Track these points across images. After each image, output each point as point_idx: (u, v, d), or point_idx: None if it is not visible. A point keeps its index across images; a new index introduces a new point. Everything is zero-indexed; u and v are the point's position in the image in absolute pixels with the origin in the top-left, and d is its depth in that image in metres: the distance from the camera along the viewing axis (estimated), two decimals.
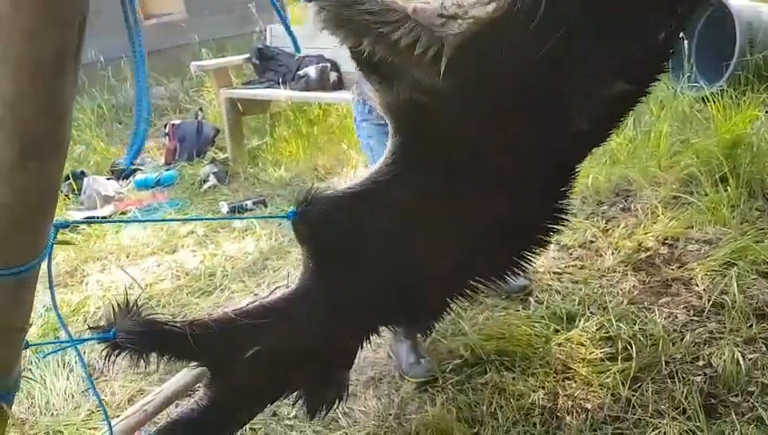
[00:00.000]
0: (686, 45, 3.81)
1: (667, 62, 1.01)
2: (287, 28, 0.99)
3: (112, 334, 0.83)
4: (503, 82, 0.84)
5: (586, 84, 0.90)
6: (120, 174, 4.85)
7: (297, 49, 1.34)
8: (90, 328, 0.93)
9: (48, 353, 2.22)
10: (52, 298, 1.02)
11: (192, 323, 0.87)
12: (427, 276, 1.08)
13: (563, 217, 1.33)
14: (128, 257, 3.55)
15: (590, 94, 0.95)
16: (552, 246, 2.92)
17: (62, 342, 1.08)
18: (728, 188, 2.86)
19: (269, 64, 4.78)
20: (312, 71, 4.50)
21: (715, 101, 3.35)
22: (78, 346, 1.05)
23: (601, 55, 0.86)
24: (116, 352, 0.85)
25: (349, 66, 4.48)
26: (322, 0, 0.70)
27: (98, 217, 4.06)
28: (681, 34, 1.17)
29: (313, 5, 0.74)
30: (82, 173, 4.69)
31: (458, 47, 0.74)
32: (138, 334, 0.82)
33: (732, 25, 3.77)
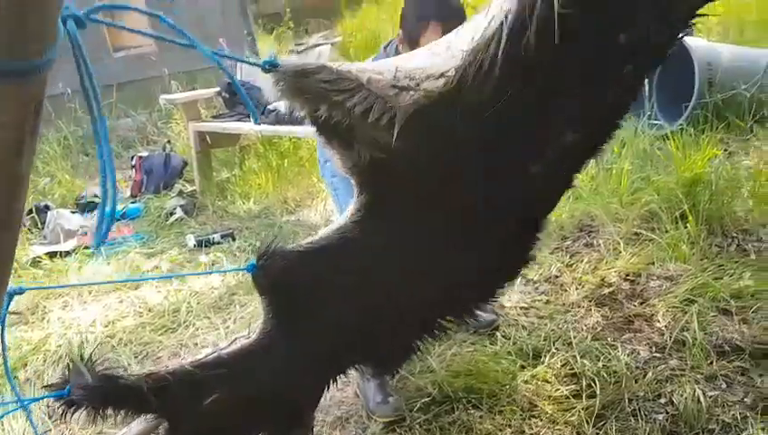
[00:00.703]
0: (646, 84, 3.93)
1: (622, 116, 1.05)
2: (240, 92, 0.99)
3: (67, 392, 0.82)
4: (457, 145, 0.86)
5: (542, 138, 0.93)
6: (85, 207, 4.78)
7: (255, 120, 1.36)
8: (44, 386, 0.91)
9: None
10: (6, 368, 1.00)
11: (148, 376, 0.86)
12: (395, 323, 1.08)
13: (530, 259, 1.36)
14: (90, 293, 3.48)
15: (547, 147, 0.98)
16: (518, 280, 2.96)
17: (16, 401, 1.05)
18: (688, 225, 2.93)
19: (239, 98, 4.79)
20: (281, 105, 4.51)
21: (674, 140, 3.45)
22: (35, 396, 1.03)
23: (557, 112, 0.89)
24: (72, 408, 0.83)
25: None
26: (279, 71, 0.72)
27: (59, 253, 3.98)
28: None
29: (271, 76, 0.76)
30: (46, 207, 4.61)
31: (411, 116, 0.76)
32: (93, 391, 0.80)
33: (691, 64, 3.91)
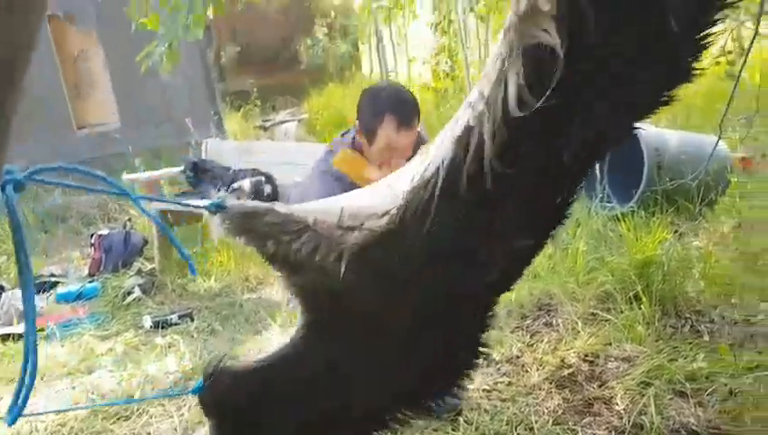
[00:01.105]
0: (597, 166, 4.09)
1: (564, 219, 1.11)
2: (174, 243, 1.01)
3: None
4: (402, 276, 0.90)
5: (491, 246, 0.98)
6: (41, 287, 4.65)
7: (193, 272, 1.39)
8: None
9: None
10: None
11: None
12: (348, 429, 1.08)
13: (484, 351, 1.38)
14: (42, 379, 3.35)
15: (496, 252, 1.03)
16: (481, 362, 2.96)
17: None
18: (642, 306, 3.00)
19: (203, 177, 4.82)
20: (246, 184, 4.56)
21: (626, 221, 3.57)
22: None
23: (504, 219, 0.94)
24: None
25: (284, 179, 4.60)
26: (226, 213, 0.74)
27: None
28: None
29: (217, 217, 0.79)
30: (1, 287, 4.48)
31: (356, 254, 0.80)
32: None
33: (641, 149, 4.09)
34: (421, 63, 9.68)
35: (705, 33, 0.93)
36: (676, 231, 3.90)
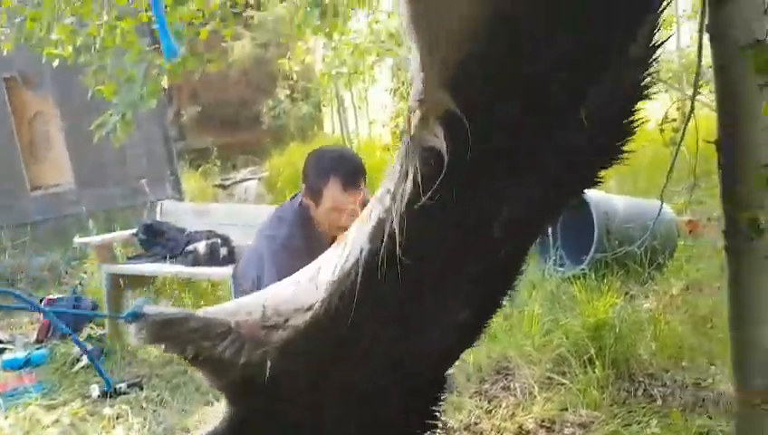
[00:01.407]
0: (550, 229, 4.19)
1: (504, 298, 1.14)
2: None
3: None
4: (328, 368, 0.90)
5: (435, 320, 1.00)
6: None
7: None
8: None
9: None
10: None
11: None
12: None
13: (433, 422, 1.37)
14: None
15: (439, 325, 1.04)
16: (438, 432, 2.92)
17: None
18: (596, 369, 3.03)
19: (157, 239, 4.75)
20: (201, 246, 4.49)
21: (578, 284, 3.64)
22: None
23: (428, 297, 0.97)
24: None
25: (240, 241, 4.56)
26: (142, 321, 0.74)
27: None
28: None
29: (133, 326, 0.78)
30: None
31: (281, 350, 0.80)
32: None
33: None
34: (381, 126, 9.86)
35: (630, 120, 0.99)
36: (626, 293, 3.98)
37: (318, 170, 2.00)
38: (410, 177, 0.77)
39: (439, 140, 0.72)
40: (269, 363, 0.78)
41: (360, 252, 0.82)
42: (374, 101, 11.87)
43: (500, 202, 0.83)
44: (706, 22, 1.62)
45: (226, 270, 4.36)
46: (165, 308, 0.77)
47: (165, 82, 2.89)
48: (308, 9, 4.14)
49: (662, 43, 1.10)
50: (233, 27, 3.36)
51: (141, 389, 3.78)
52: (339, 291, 0.82)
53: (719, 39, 1.59)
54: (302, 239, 2.01)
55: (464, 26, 0.68)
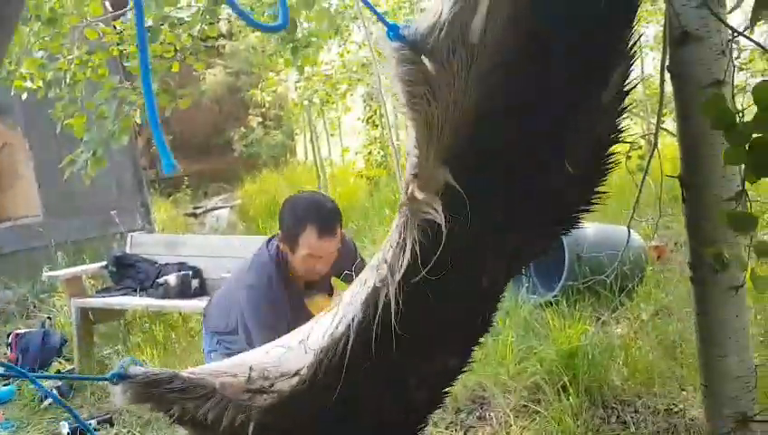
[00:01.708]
0: None
1: (483, 335, 1.16)
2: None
3: None
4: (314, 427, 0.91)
5: (419, 365, 1.02)
6: None
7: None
8: None
9: None
10: None
11: None
12: None
13: None
14: None
15: (427, 379, 1.06)
16: None
17: None
18: (570, 397, 3.05)
19: (127, 272, 4.68)
20: (171, 278, 4.45)
21: (551, 309, 3.68)
22: None
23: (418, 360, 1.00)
24: None
25: (211, 273, 4.52)
26: (127, 382, 0.74)
27: None
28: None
29: (118, 387, 0.78)
30: None
31: (264, 415, 0.81)
32: None
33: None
34: (354, 153, 9.92)
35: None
36: (598, 318, 4.03)
37: (293, 218, 2.00)
38: (408, 248, 0.78)
39: (438, 214, 0.74)
40: (251, 427, 0.78)
41: (353, 319, 0.84)
42: (347, 128, 11.94)
43: (490, 259, 0.85)
44: (667, 62, 1.70)
45: (198, 303, 4.31)
46: (149, 368, 0.77)
47: (138, 118, 2.89)
48: (279, 40, 4.18)
49: (632, 87, 1.14)
50: (205, 61, 3.37)
51: (112, 425, 3.70)
52: (327, 357, 0.83)
53: (680, 77, 1.65)
54: (280, 287, 2.01)
55: (461, 115, 0.71)
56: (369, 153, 8.78)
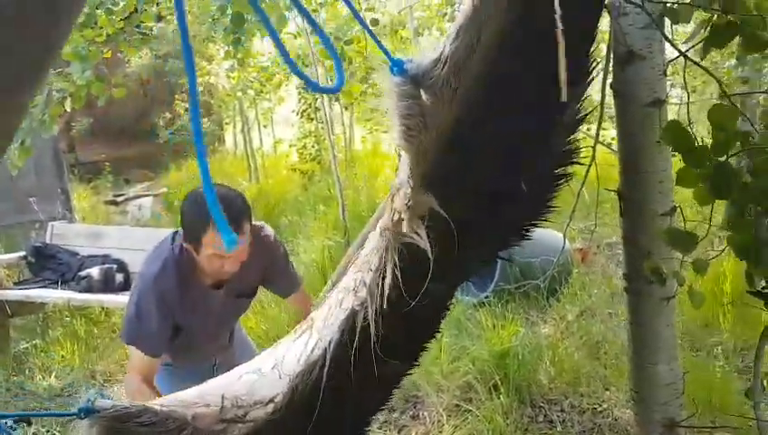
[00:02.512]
0: None
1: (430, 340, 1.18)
2: None
3: None
4: None
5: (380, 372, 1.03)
6: None
7: None
8: None
9: None
10: None
11: None
12: None
13: None
14: None
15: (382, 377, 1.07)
16: None
17: None
18: (501, 396, 3.13)
19: (47, 263, 4.45)
20: (95, 271, 4.26)
21: (484, 310, 3.76)
22: None
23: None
24: None
25: (136, 267, 4.35)
26: (94, 417, 0.70)
27: None
28: None
29: (85, 422, 0.73)
30: None
31: None
32: None
33: None
34: (288, 146, 9.79)
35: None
36: (527, 318, 4.16)
37: (196, 216, 1.78)
38: (389, 273, 0.78)
39: (423, 240, 0.74)
40: None
41: (329, 343, 0.82)
42: (279, 119, 11.77)
43: (451, 271, 0.86)
44: (610, 80, 1.76)
45: (122, 298, 4.15)
46: (118, 402, 0.73)
47: (68, 106, 2.72)
48: (212, 22, 4.06)
49: (588, 113, 1.18)
50: (138, 47, 3.23)
51: (29, 424, 3.50)
52: (303, 382, 0.81)
53: (623, 96, 1.72)
54: (174, 282, 1.84)
55: (437, 141, 0.72)
56: (304, 146, 8.69)
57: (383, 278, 0.78)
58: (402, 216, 0.74)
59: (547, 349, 3.61)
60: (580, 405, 3.16)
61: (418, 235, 0.73)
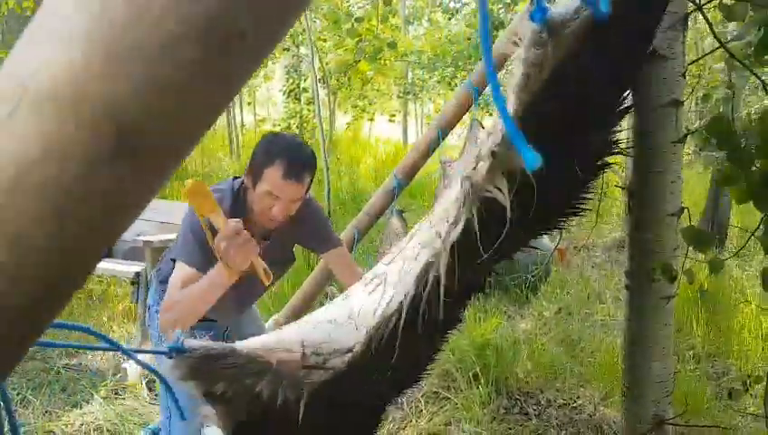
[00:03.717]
0: None
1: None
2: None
3: None
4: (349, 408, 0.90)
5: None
6: None
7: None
8: None
9: None
10: None
11: None
12: None
13: None
14: None
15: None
16: None
17: None
18: (480, 386, 3.17)
19: None
20: None
21: None
22: None
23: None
24: None
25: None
26: (183, 357, 0.68)
27: None
28: None
29: (171, 362, 0.71)
30: None
31: (316, 392, 0.78)
32: None
33: None
34: (272, 125, 9.69)
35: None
36: (506, 313, 4.21)
37: (266, 152, 1.87)
38: (461, 223, 0.77)
39: (502, 195, 0.73)
40: (302, 406, 0.74)
41: (405, 296, 0.81)
42: (260, 97, 11.64)
43: (502, 247, 0.86)
44: None
45: (104, 265, 4.08)
46: (206, 342, 0.71)
47: None
48: None
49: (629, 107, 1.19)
50: None
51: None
52: (378, 334, 0.80)
53: (640, 95, 1.74)
54: (227, 205, 1.90)
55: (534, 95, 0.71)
56: (288, 127, 8.61)
57: (454, 227, 0.78)
58: (483, 163, 0.73)
59: (525, 344, 3.66)
60: (556, 400, 3.22)
61: (500, 190, 0.73)
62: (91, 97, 0.25)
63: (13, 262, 0.29)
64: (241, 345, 0.74)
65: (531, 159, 0.34)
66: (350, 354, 0.80)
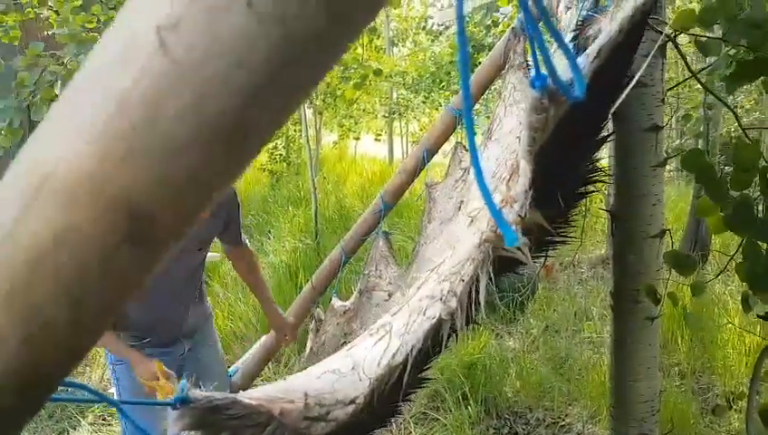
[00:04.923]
0: None
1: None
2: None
3: None
4: None
5: None
6: None
7: None
8: None
9: None
10: None
11: None
12: None
13: None
14: None
15: None
16: None
17: None
18: (469, 406, 3.18)
19: None
20: None
21: None
22: None
23: None
24: None
25: None
26: (187, 407, 0.70)
27: None
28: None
29: (176, 412, 0.73)
30: None
31: None
32: None
33: None
34: None
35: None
36: (493, 331, 4.23)
37: None
38: (482, 284, 0.80)
39: (525, 256, 0.77)
40: None
41: (412, 349, 0.84)
42: None
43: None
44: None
45: None
46: (210, 393, 0.72)
47: (58, 90, 2.65)
48: None
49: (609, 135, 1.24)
50: None
51: None
52: (381, 386, 0.82)
53: (621, 120, 1.78)
54: None
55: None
56: (275, 146, 8.62)
57: (477, 291, 0.81)
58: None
59: (513, 362, 3.68)
60: (545, 419, 3.23)
61: (520, 249, 0.76)
62: (107, 192, 0.27)
63: (27, 333, 0.31)
64: (245, 396, 0.76)
65: (511, 239, 0.37)
66: (352, 406, 0.81)
